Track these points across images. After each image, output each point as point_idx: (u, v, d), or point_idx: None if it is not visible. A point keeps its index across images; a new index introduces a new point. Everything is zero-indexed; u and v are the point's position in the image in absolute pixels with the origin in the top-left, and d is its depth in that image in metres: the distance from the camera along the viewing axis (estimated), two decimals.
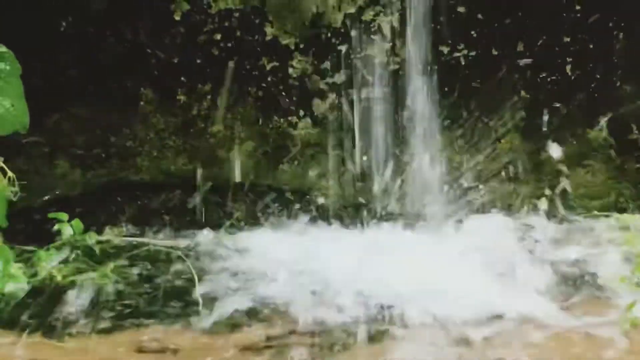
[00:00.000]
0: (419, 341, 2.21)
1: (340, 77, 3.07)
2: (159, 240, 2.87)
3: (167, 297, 2.51)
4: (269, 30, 3.06)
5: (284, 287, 2.50)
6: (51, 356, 2.19)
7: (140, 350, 2.23)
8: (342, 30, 3.03)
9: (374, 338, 2.24)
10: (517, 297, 2.39)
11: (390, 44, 3.03)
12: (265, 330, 2.30)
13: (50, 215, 2.80)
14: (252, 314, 2.38)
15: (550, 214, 2.94)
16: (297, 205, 3.02)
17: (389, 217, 2.97)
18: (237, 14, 3.06)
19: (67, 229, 2.79)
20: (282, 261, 2.64)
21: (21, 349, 2.23)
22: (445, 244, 2.73)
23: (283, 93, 3.10)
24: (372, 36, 3.02)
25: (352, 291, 2.44)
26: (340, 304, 2.39)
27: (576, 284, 2.50)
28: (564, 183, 2.95)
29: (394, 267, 2.56)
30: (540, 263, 2.59)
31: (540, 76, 3.02)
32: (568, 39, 2.99)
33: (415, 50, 3.00)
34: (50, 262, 2.67)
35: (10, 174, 2.56)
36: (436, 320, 2.29)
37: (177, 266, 2.69)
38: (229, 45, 3.08)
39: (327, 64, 3.06)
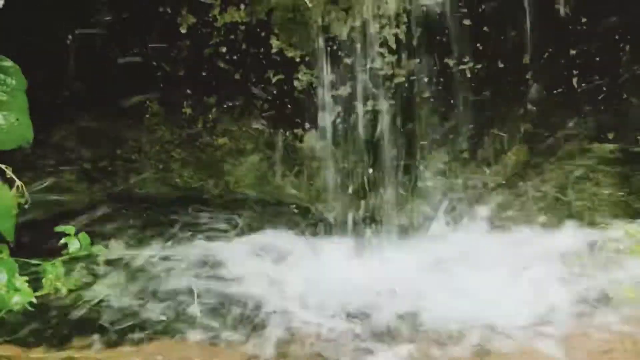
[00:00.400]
0: None
1: (345, 90, 3.07)
2: (165, 252, 2.87)
3: (168, 309, 2.52)
4: (274, 43, 3.06)
5: None
6: None
7: None
8: (348, 42, 3.03)
9: None
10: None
11: (396, 56, 3.02)
12: None
13: (57, 228, 2.80)
14: None
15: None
16: (303, 218, 3.02)
17: (393, 229, 2.97)
18: (242, 27, 3.07)
19: (74, 242, 2.79)
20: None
21: None
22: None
23: (289, 106, 3.10)
24: (377, 48, 3.02)
25: None
26: None
27: None
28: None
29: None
30: None
31: (547, 88, 3.01)
32: (574, 52, 2.99)
33: (420, 62, 3.00)
34: (56, 276, 2.67)
35: (19, 182, 2.56)
36: None
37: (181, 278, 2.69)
38: (235, 58, 3.08)
39: (332, 77, 3.05)
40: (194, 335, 2.38)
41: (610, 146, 3.01)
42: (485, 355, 2.25)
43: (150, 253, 2.86)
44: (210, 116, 3.12)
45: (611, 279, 2.57)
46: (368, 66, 3.03)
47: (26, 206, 2.59)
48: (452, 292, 2.55)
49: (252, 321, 2.47)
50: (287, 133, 3.12)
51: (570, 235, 2.81)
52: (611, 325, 2.36)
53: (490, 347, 2.28)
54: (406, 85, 3.02)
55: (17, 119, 2.53)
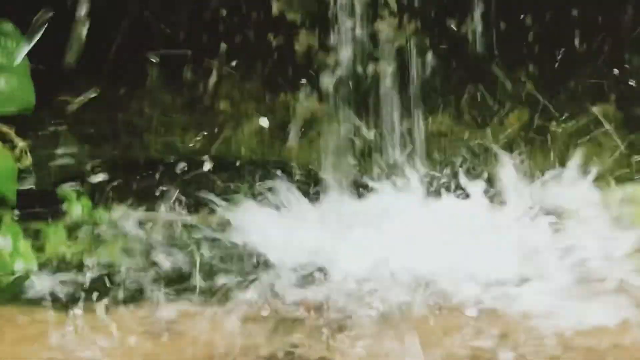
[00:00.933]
0: None
1: (346, 53, 3.06)
2: (167, 216, 2.87)
3: (172, 274, 2.52)
4: (275, 6, 3.05)
5: None
6: (59, 336, 2.20)
7: (148, 329, 2.24)
8: (348, 4, 3.02)
9: None
10: None
11: (397, 18, 3.02)
12: None
13: (59, 192, 2.80)
14: None
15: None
16: (303, 181, 3.02)
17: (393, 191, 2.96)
18: None
19: (76, 207, 2.79)
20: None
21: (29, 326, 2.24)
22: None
23: (290, 69, 3.10)
24: (378, 11, 3.01)
25: None
26: None
27: None
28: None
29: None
30: None
31: (548, 50, 3.01)
32: (576, 12, 2.98)
33: (421, 24, 2.99)
34: (59, 240, 2.67)
35: (22, 144, 2.56)
36: None
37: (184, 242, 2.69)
38: (235, 21, 3.07)
39: (333, 40, 3.05)
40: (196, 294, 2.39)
41: (612, 107, 3.01)
42: None
43: (153, 216, 2.86)
44: (210, 80, 3.11)
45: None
46: (369, 28, 3.02)
47: (27, 168, 2.59)
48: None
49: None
50: (288, 97, 3.12)
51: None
52: None
53: None
54: (407, 47, 3.01)
55: (19, 83, 2.52)
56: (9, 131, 2.52)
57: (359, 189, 2.92)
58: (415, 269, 2.42)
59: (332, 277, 2.44)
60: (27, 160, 2.58)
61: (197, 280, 2.43)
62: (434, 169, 2.96)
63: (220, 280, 2.43)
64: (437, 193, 2.84)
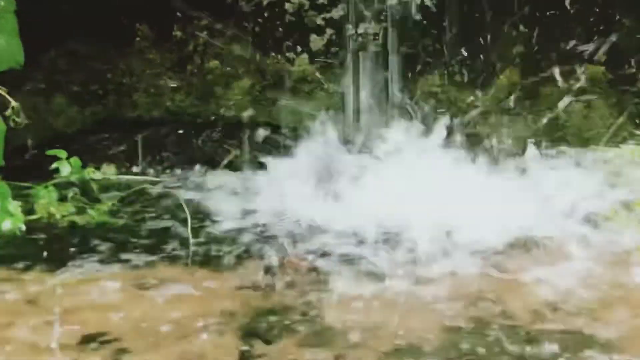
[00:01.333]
0: None
1: (337, 12, 3.05)
2: (157, 177, 2.87)
3: (160, 234, 2.52)
4: None
5: None
6: (47, 293, 2.20)
7: (137, 286, 2.25)
8: None
9: None
10: None
11: None
12: None
13: (49, 152, 2.79)
14: None
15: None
16: (294, 142, 3.02)
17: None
18: None
19: (65, 166, 2.78)
20: None
21: (16, 286, 2.25)
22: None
23: (280, 29, 3.08)
24: None
25: None
26: None
27: None
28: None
29: None
30: None
31: (539, 10, 3.00)
32: None
33: None
34: (50, 200, 2.67)
35: (14, 103, 2.55)
36: None
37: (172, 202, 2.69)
38: None
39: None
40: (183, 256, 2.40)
41: (602, 68, 3.00)
42: None
43: (143, 177, 2.86)
44: (201, 39, 3.10)
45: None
46: None
47: (20, 126, 2.58)
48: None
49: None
50: (279, 56, 3.11)
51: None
52: None
53: None
54: (398, 7, 3.00)
55: (8, 41, 2.51)
56: (2, 92, 2.51)
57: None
58: None
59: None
60: (20, 119, 2.57)
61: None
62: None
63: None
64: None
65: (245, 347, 1.88)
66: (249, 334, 1.93)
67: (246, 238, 2.43)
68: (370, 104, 3.03)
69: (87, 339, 1.98)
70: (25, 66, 2.59)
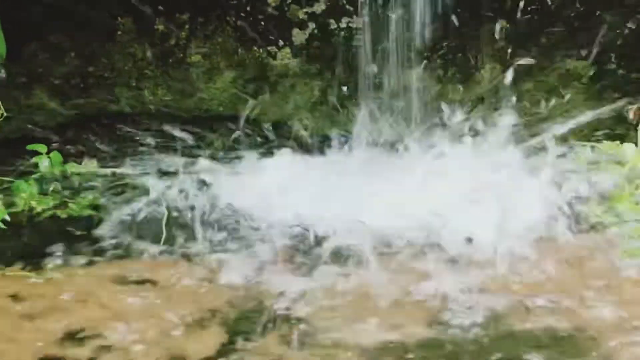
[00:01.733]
0: None
1: (320, 6, 3.05)
2: (137, 171, 2.87)
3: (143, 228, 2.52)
4: None
5: None
6: (30, 289, 2.20)
7: (120, 281, 2.25)
8: None
9: None
10: None
11: None
12: None
13: (29, 146, 2.78)
14: None
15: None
16: (276, 136, 3.02)
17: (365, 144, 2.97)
18: None
19: (45, 161, 2.77)
20: None
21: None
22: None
23: (262, 23, 3.08)
24: None
25: None
26: None
27: None
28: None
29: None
30: None
31: (520, 5, 3.00)
32: None
33: None
34: (30, 194, 2.66)
35: None
36: None
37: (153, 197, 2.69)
38: None
39: None
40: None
41: (583, 62, 3.02)
42: None
43: (123, 170, 2.85)
44: (183, 33, 3.09)
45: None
46: None
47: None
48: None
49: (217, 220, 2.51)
50: (261, 50, 3.10)
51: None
52: None
53: None
54: (381, 2, 3.00)
55: None
56: None
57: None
58: None
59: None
60: (1, 109, 2.56)
61: None
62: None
63: None
64: None
65: None
66: None
67: None
68: (352, 99, 3.04)
69: (70, 335, 1.99)
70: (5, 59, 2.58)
